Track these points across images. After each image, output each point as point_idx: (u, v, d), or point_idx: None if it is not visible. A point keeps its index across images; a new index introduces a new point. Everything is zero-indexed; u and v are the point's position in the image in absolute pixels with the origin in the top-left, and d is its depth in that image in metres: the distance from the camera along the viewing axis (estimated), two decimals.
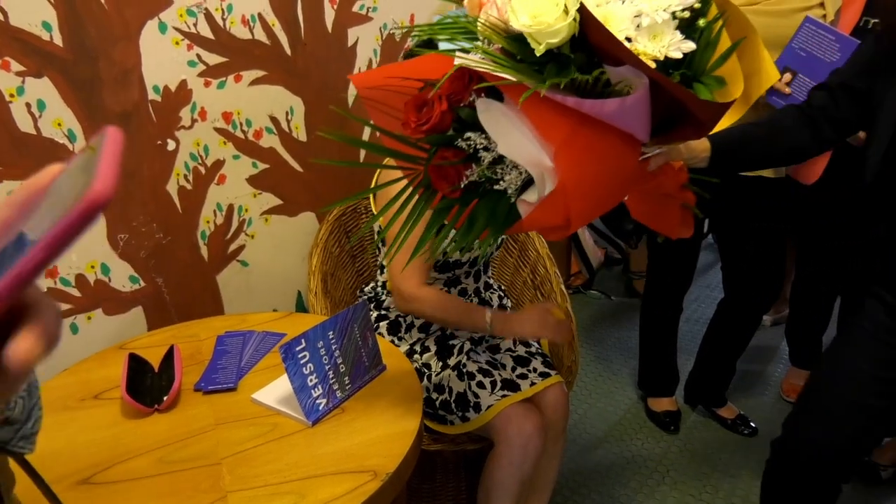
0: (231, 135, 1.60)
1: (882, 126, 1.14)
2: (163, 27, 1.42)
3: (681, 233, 1.07)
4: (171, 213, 1.54)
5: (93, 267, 1.42)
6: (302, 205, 1.81)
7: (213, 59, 1.52)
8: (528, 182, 0.87)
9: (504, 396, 1.45)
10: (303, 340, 1.11)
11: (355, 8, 1.78)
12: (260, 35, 1.59)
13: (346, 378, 1.18)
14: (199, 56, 1.49)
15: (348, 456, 1.04)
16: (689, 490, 1.93)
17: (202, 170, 1.57)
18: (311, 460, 1.03)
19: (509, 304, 1.73)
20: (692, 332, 2.69)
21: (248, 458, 1.03)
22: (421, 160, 0.91)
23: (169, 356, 1.25)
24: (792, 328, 2.33)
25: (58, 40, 1.27)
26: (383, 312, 1.59)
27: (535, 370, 1.55)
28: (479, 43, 0.82)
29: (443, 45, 0.88)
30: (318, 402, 1.12)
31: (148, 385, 1.18)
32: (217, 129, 1.57)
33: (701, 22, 0.78)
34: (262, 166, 1.68)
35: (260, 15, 1.57)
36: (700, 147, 1.17)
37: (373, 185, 1.63)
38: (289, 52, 1.66)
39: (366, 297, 1.66)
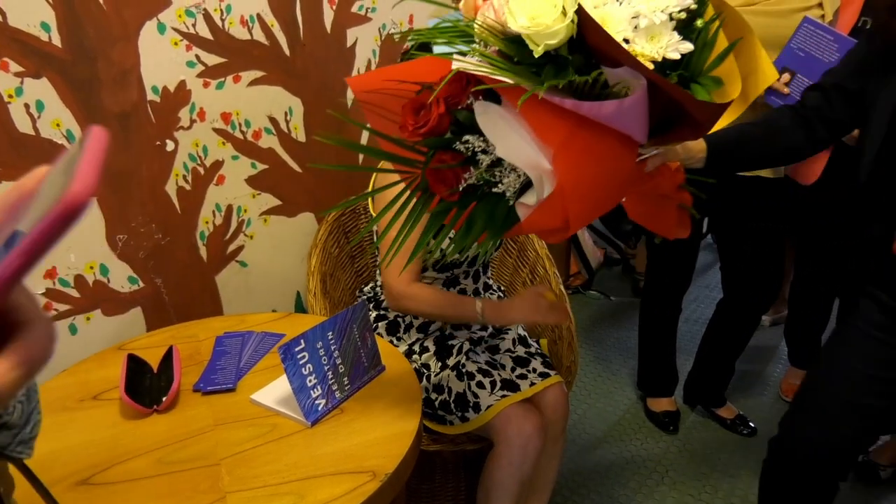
0: (230, 135, 1.60)
1: (875, 126, 1.14)
2: (161, 28, 1.42)
3: (678, 233, 1.07)
4: (169, 213, 1.54)
5: (91, 268, 1.42)
6: (301, 205, 1.81)
7: (212, 59, 1.52)
8: (526, 185, 0.87)
9: (503, 397, 1.45)
10: (302, 341, 1.11)
11: (354, 8, 1.78)
12: (259, 35, 1.59)
13: (346, 378, 1.18)
14: (197, 56, 1.49)
15: (347, 456, 1.04)
16: (688, 490, 1.93)
17: (201, 170, 1.57)
18: (310, 461, 1.03)
19: None
20: (691, 332, 2.69)
21: (247, 459, 1.03)
22: (419, 163, 0.91)
23: (168, 357, 1.26)
24: (791, 328, 2.34)
25: (56, 41, 1.27)
26: (382, 313, 1.59)
27: (534, 370, 1.55)
28: (476, 45, 0.81)
29: (438, 49, 0.88)
30: (317, 402, 1.12)
31: (147, 386, 1.18)
32: (216, 130, 1.57)
33: (698, 23, 0.78)
34: (260, 167, 1.69)
35: (259, 15, 1.57)
36: (697, 148, 1.17)
37: (370, 187, 1.63)
38: (288, 52, 1.66)
39: (365, 297, 1.66)
